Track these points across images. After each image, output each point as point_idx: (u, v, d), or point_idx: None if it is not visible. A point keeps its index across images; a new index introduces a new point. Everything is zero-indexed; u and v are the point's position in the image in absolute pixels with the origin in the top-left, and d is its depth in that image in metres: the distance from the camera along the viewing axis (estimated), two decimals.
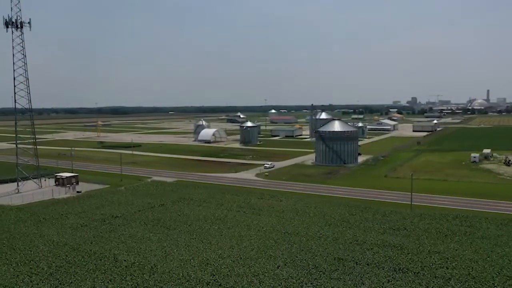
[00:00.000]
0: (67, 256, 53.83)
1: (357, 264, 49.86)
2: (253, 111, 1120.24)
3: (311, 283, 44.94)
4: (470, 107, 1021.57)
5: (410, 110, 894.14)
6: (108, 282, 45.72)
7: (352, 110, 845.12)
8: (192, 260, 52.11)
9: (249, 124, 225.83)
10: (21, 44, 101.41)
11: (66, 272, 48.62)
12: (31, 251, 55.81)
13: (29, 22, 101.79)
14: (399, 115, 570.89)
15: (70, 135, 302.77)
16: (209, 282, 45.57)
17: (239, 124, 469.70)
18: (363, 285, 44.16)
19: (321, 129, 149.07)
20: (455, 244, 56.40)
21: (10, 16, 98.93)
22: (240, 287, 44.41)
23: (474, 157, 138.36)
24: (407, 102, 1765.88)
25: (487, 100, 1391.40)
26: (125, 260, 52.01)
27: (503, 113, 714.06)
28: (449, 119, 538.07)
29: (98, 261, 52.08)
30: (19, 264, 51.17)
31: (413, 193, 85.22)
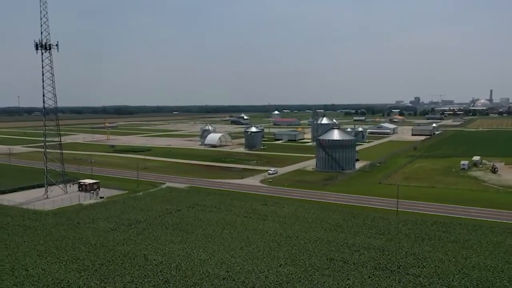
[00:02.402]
0: (105, 255, 64.90)
1: (345, 263, 60.70)
2: (256, 110, 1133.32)
3: (306, 279, 55.80)
4: (472, 107, 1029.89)
5: (412, 111, 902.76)
6: (143, 277, 56.70)
7: (354, 111, 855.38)
8: (209, 259, 63.06)
9: (253, 129, 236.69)
10: (50, 64, 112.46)
11: (107, 269, 59.64)
12: (74, 251, 66.89)
13: (56, 45, 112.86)
14: (400, 117, 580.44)
15: (80, 138, 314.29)
16: (225, 277, 56.48)
17: (242, 125, 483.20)
18: (348, 280, 54.98)
19: (321, 137, 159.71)
20: (428, 247, 67.14)
21: (40, 40, 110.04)
22: (249, 281, 55.30)
23: (463, 164, 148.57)
24: (410, 102, 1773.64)
25: (490, 100, 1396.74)
26: (154, 259, 63.01)
27: (504, 115, 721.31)
28: (449, 121, 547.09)
29: (132, 260, 63.10)
30: (68, 262, 62.22)
31: (401, 200, 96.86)
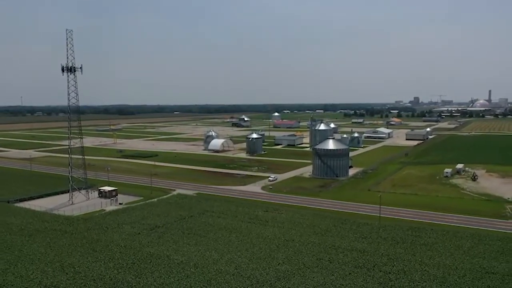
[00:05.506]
0: (135, 255, 78.96)
1: (330, 263, 74.80)
2: (256, 110, 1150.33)
3: (299, 275, 69.92)
4: (471, 107, 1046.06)
5: (411, 111, 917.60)
6: (169, 273, 70.74)
7: (353, 112, 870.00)
8: (220, 259, 77.15)
9: (254, 135, 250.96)
10: (75, 85, 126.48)
11: (138, 267, 73.70)
12: (109, 252, 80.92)
13: (80, 67, 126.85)
14: (397, 120, 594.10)
15: (87, 141, 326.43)
16: (234, 274, 70.57)
17: (243, 127, 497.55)
18: (332, 276, 69.07)
19: (317, 146, 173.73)
20: (400, 249, 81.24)
21: (67, 64, 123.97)
22: (254, 276, 69.36)
23: (447, 172, 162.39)
24: (409, 102, 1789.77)
25: (489, 100, 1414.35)
26: (175, 259, 77.07)
27: (500, 116, 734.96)
28: (445, 123, 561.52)
29: (157, 259, 77.16)
30: (105, 261, 76.26)
31: (386, 207, 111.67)
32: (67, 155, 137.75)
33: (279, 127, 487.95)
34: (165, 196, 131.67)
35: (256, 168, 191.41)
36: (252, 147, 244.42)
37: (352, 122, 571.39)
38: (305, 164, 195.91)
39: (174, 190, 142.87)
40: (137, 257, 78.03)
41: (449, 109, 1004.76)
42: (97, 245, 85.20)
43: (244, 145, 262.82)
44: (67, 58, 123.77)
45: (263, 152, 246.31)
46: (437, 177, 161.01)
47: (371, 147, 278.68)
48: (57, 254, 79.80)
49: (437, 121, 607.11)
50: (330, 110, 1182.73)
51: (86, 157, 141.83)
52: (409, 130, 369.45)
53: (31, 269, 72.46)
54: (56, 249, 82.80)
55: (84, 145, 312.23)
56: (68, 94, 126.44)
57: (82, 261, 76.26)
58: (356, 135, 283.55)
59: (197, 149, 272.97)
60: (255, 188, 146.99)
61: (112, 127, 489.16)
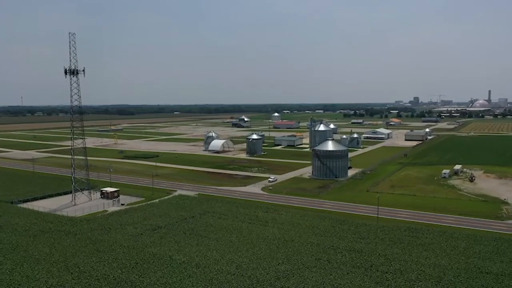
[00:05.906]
0: (138, 255, 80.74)
1: (329, 263, 76.60)
2: (256, 110, 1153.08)
3: (298, 274, 71.70)
4: (471, 107, 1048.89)
5: (410, 111, 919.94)
6: (171, 273, 72.51)
7: (353, 112, 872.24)
8: (221, 259, 78.94)
9: (254, 136, 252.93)
10: (77, 87, 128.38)
11: (142, 267, 75.47)
12: (112, 252, 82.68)
13: (83, 70, 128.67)
14: (397, 120, 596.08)
15: (89, 142, 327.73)
16: (235, 273, 72.36)
17: (243, 128, 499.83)
18: (330, 276, 70.86)
19: (317, 148, 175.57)
20: (397, 249, 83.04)
21: (70, 66, 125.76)
22: (254, 276, 71.14)
23: (445, 173, 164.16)
24: (409, 102, 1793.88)
25: (489, 100, 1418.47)
26: (178, 259, 78.83)
27: (499, 117, 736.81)
28: (445, 124, 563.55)
29: (160, 259, 78.94)
30: (109, 261, 77.98)
31: (384, 207, 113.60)
32: (69, 156, 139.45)
33: (279, 128, 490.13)
34: (166, 197, 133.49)
35: (256, 169, 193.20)
36: (252, 148, 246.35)
37: (352, 123, 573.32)
38: (305, 165, 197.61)
39: (175, 191, 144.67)
40: (140, 257, 79.81)
41: (449, 109, 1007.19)
42: (100, 245, 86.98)
43: (244, 145, 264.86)
44: (70, 61, 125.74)
45: (263, 153, 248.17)
46: (435, 178, 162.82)
47: (370, 147, 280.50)
48: (61, 255, 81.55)
49: (436, 121, 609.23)
50: (329, 110, 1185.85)
51: (89, 158, 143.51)
52: (409, 130, 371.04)
53: (37, 269, 74.25)
54: (61, 249, 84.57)
55: (86, 145, 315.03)
56: (71, 96, 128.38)
57: (86, 261, 78.02)
58: (355, 135, 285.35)
59: (198, 149, 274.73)
60: (255, 189, 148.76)
61: (112, 127, 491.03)
